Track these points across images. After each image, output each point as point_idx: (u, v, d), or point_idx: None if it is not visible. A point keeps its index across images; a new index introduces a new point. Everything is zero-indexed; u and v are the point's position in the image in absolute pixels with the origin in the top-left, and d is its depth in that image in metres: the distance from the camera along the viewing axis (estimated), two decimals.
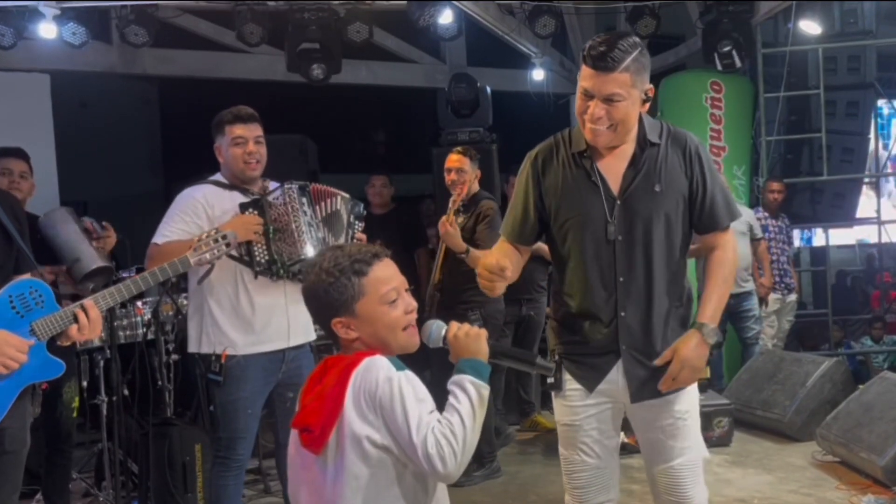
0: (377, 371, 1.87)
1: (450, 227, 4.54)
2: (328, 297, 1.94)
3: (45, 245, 3.69)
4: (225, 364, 3.39)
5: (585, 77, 2.47)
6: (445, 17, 6.38)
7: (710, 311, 2.57)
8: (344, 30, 6.75)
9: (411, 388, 1.86)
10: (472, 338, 2.00)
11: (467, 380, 1.91)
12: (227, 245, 3.15)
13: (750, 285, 6.76)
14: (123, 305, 5.01)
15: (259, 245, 3.38)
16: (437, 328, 2.06)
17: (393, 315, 1.97)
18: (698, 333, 2.54)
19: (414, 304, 2.02)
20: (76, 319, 2.68)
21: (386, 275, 1.97)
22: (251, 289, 3.43)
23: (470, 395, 1.89)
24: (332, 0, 6.60)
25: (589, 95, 2.46)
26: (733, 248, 2.66)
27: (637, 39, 2.49)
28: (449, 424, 1.84)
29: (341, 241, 3.55)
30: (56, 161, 7.34)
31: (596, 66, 2.43)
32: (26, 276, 2.73)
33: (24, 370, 2.62)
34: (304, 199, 3.47)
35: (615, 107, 2.44)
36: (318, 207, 3.52)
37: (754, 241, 6.84)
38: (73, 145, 8.27)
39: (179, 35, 7.83)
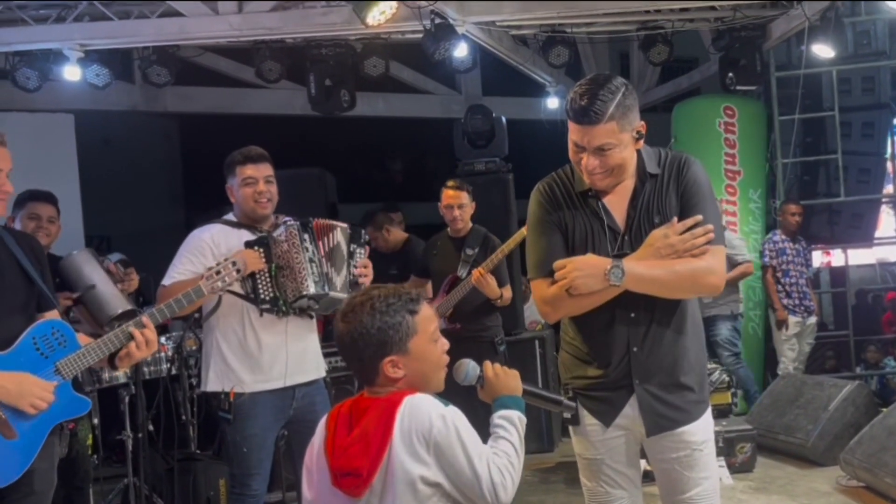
0: (428, 410, 1.90)
1: (489, 278, 4.67)
2: (383, 335, 1.95)
3: (65, 287, 3.76)
4: (234, 402, 3.44)
5: (573, 131, 2.49)
6: (461, 51, 6.46)
7: (636, 259, 2.44)
8: (361, 64, 6.86)
9: (462, 422, 1.93)
10: (510, 376, 2.14)
11: (516, 415, 2.05)
12: (238, 271, 3.18)
13: (713, 311, 6.54)
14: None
15: (263, 282, 3.42)
16: (473, 368, 2.15)
17: (438, 353, 2.04)
18: (610, 263, 2.42)
19: (447, 343, 2.08)
20: (131, 338, 2.76)
21: (431, 314, 2.04)
22: (257, 326, 3.48)
23: (518, 428, 2.03)
24: (348, 35, 6.72)
25: (580, 148, 2.49)
26: (710, 268, 2.48)
27: (619, 82, 2.46)
28: (507, 455, 1.96)
29: (343, 273, 3.57)
30: (80, 197, 7.48)
31: (580, 122, 2.44)
32: (49, 316, 2.78)
33: (52, 410, 2.67)
34: (307, 236, 3.48)
35: (608, 155, 2.45)
36: (320, 243, 3.53)
37: (737, 265, 6.53)
38: (96, 181, 8.41)
39: (199, 72, 7.99)
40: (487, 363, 2.16)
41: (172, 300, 3.08)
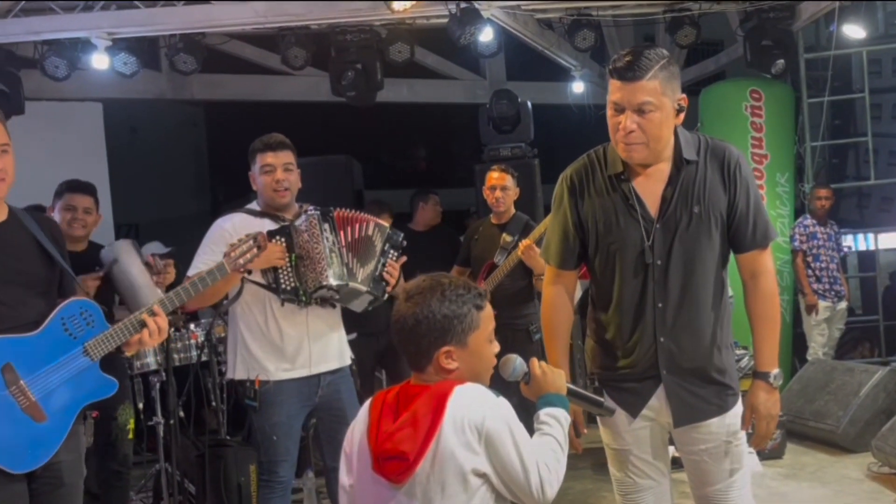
0: (482, 401, 1.91)
1: (536, 249, 4.57)
2: (447, 322, 1.94)
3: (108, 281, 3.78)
4: (259, 390, 3.47)
5: (614, 90, 2.41)
6: (486, 35, 6.42)
7: (767, 356, 2.57)
8: (386, 50, 6.84)
9: (513, 415, 1.93)
10: (556, 375, 2.15)
11: (562, 414, 2.07)
12: (259, 247, 3.15)
13: None
14: (177, 329, 5.13)
15: (284, 272, 3.41)
16: (521, 363, 2.15)
17: (490, 353, 2.04)
18: (764, 383, 2.55)
19: (498, 346, 2.08)
20: (144, 325, 2.76)
21: (491, 313, 2.04)
22: (279, 316, 3.49)
23: (564, 427, 2.06)
24: (373, 21, 6.70)
25: (619, 109, 2.40)
26: (771, 271, 2.59)
27: (664, 51, 2.43)
28: (553, 453, 1.97)
29: (370, 268, 3.54)
30: (109, 185, 7.54)
31: (623, 77, 2.37)
32: (76, 298, 2.78)
33: (79, 391, 2.67)
34: (327, 226, 3.46)
35: (647, 118, 2.37)
36: (342, 233, 3.50)
37: None
38: (123, 169, 8.48)
39: (226, 60, 8.02)
40: (534, 360, 2.15)
41: (197, 279, 3.04)
